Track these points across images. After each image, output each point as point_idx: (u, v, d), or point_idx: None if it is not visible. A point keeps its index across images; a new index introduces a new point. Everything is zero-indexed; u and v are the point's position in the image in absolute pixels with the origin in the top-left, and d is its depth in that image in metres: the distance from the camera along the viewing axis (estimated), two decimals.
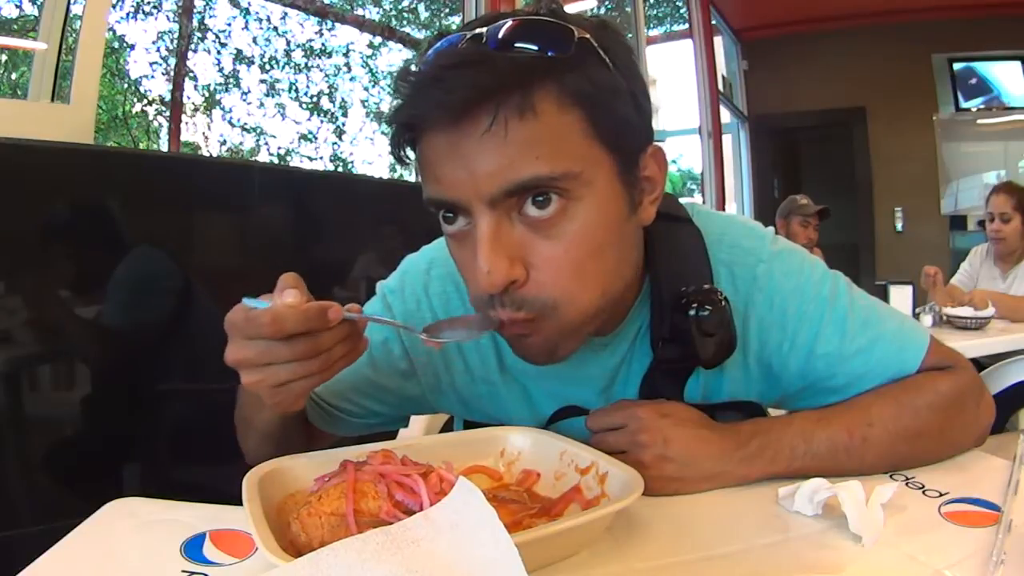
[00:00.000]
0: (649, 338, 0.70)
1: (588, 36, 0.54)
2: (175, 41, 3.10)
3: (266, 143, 3.47)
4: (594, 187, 0.55)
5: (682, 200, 0.75)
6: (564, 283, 0.55)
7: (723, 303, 0.65)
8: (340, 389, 0.74)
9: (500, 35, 0.52)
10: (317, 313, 0.48)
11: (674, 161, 5.65)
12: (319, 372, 0.51)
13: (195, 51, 3.20)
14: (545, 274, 0.55)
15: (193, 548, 0.51)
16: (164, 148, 3.10)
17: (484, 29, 0.53)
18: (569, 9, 0.58)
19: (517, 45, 0.52)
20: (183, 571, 0.48)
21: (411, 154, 0.58)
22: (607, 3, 4.62)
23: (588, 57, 0.54)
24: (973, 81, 4.96)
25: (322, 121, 3.65)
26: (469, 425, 0.80)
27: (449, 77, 0.50)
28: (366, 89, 3.83)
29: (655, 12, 5.43)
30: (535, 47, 0.52)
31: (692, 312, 0.64)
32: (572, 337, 0.59)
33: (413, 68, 0.54)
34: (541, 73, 0.52)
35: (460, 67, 0.51)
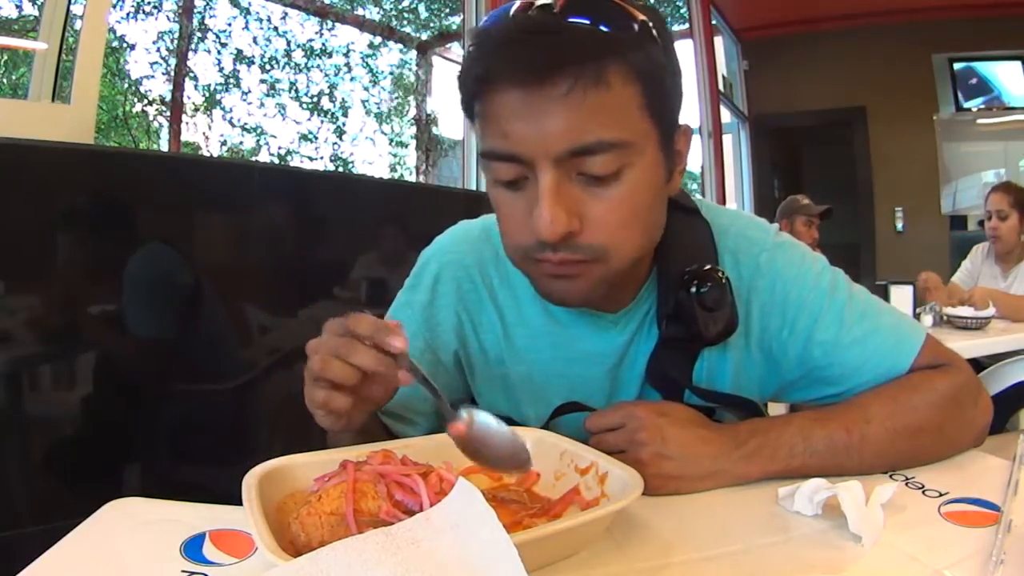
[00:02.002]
0: (656, 319, 0.73)
1: (647, 20, 0.59)
2: (175, 41, 3.10)
3: (266, 143, 3.47)
4: (643, 155, 0.60)
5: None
6: (612, 234, 0.61)
7: (723, 280, 0.69)
8: (399, 404, 0.74)
9: (574, 9, 0.57)
10: (395, 324, 0.55)
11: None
12: (367, 403, 0.59)
13: (195, 51, 3.20)
14: (596, 226, 0.60)
15: (193, 548, 0.51)
16: (164, 148, 3.10)
17: (555, 1, 0.57)
18: None
19: (587, 21, 0.57)
20: (183, 571, 0.48)
21: (478, 110, 0.61)
22: None
23: (646, 38, 0.59)
24: (973, 81, 4.96)
25: (322, 121, 3.65)
26: None
27: (533, 41, 0.56)
28: (366, 89, 3.83)
29: None
30: (605, 25, 0.57)
31: (694, 289, 0.68)
32: (608, 282, 0.64)
33: (489, 31, 0.58)
34: (612, 48, 0.57)
35: (544, 33, 0.56)
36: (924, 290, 2.48)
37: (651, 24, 0.59)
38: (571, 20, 0.56)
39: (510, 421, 0.74)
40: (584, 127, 0.56)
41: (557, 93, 0.55)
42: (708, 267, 0.70)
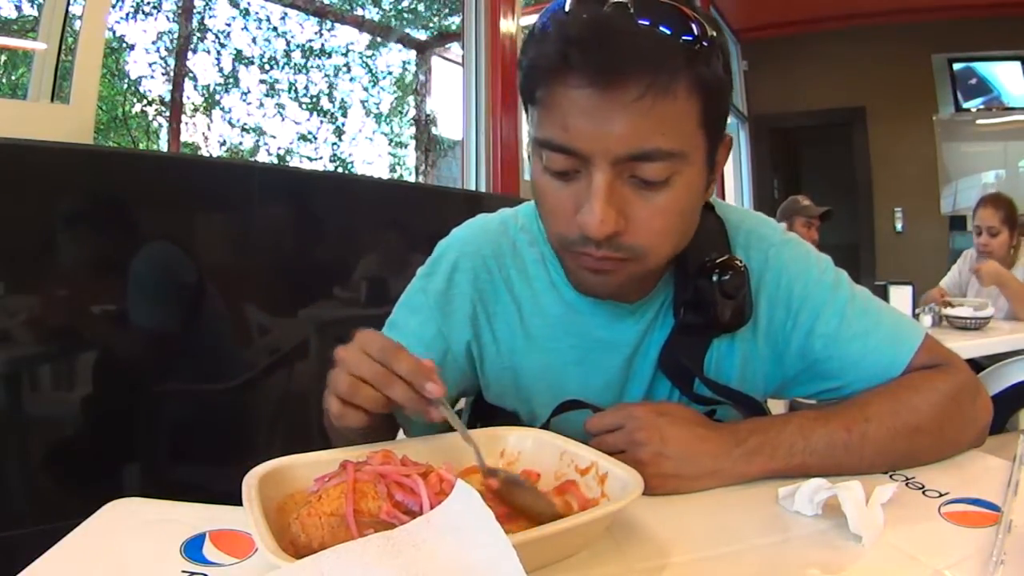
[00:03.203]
0: (673, 309, 0.75)
1: (716, 34, 0.59)
2: (175, 41, 3.10)
3: (266, 143, 3.47)
4: (693, 166, 0.62)
5: None
6: (653, 237, 0.62)
7: (742, 268, 0.71)
8: None
9: (649, 12, 0.56)
10: (431, 367, 0.55)
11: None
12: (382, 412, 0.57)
13: (195, 51, 3.19)
14: (640, 228, 0.61)
15: (193, 548, 0.51)
16: (164, 148, 3.10)
17: (630, 2, 0.56)
18: None
19: (663, 28, 0.56)
20: (183, 571, 0.48)
21: (538, 95, 0.61)
22: None
23: (713, 53, 0.59)
24: (973, 81, 4.96)
25: (322, 121, 3.64)
26: (476, 412, 0.81)
27: (611, 40, 0.55)
28: (366, 89, 3.83)
29: None
30: (680, 34, 0.57)
31: (715, 276, 0.71)
32: (638, 281, 0.67)
33: (564, 19, 0.57)
34: (684, 59, 0.57)
35: (620, 33, 0.55)
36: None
37: (717, 38, 0.60)
38: (644, 23, 0.56)
39: (516, 419, 0.75)
40: (647, 134, 0.57)
41: (627, 98, 0.56)
42: (728, 256, 0.72)
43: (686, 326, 0.74)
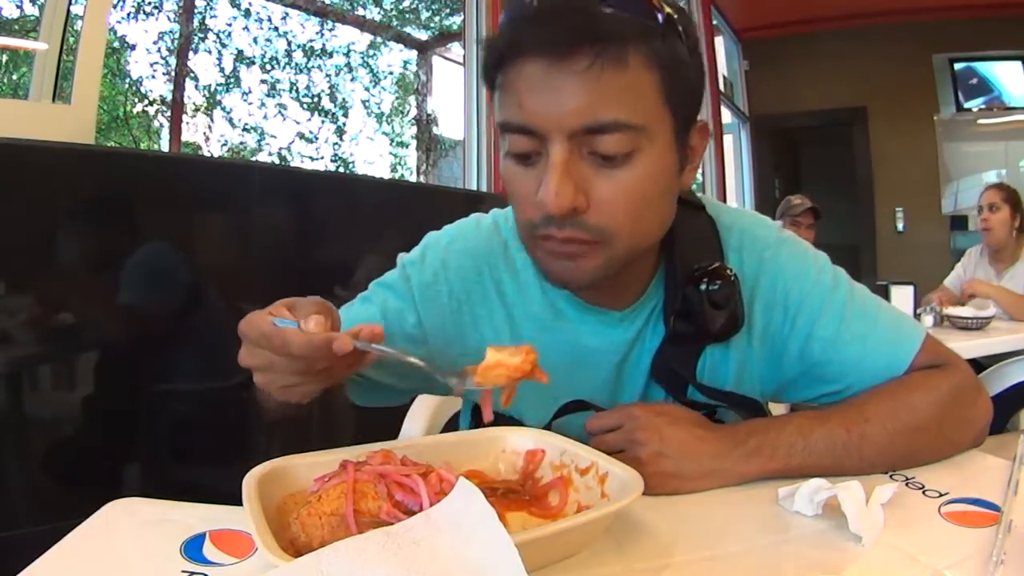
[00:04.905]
0: (663, 317, 0.73)
1: (673, 13, 0.60)
2: (176, 41, 3.10)
3: (267, 143, 3.47)
4: (656, 143, 0.61)
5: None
6: (618, 217, 0.61)
7: (732, 278, 0.70)
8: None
9: None
10: (322, 343, 0.50)
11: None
12: (320, 382, 0.56)
13: (196, 51, 3.20)
14: (603, 207, 0.60)
15: (193, 548, 0.51)
16: (165, 148, 3.10)
17: None
18: None
19: (616, 5, 0.58)
20: (183, 571, 0.48)
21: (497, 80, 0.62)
22: None
23: (671, 31, 0.60)
24: (974, 81, 4.95)
25: (323, 121, 3.64)
26: (477, 414, 0.81)
27: (560, 16, 0.57)
28: (367, 89, 3.83)
29: None
30: (632, 11, 0.58)
31: (703, 286, 0.69)
32: (611, 268, 0.64)
33: (520, 2, 0.60)
34: (636, 33, 0.58)
35: (569, 11, 0.57)
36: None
37: (677, 20, 0.61)
38: (600, 2, 0.57)
39: (511, 420, 0.74)
40: (599, 105, 0.57)
41: (577, 68, 0.56)
42: (717, 264, 0.71)
43: (677, 335, 0.72)
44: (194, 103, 3.26)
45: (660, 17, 0.59)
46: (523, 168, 0.62)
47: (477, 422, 0.80)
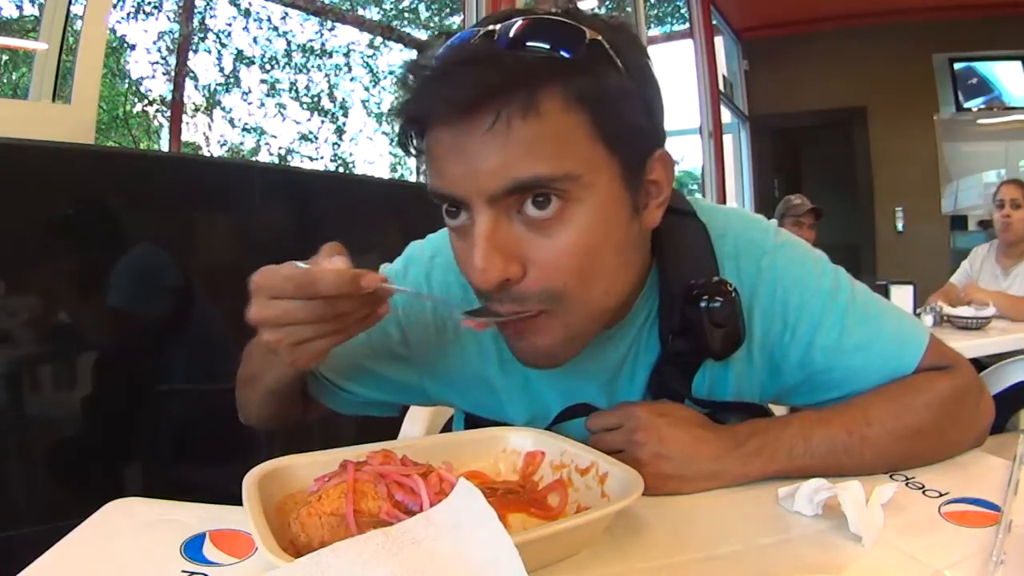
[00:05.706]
0: (657, 331, 0.70)
1: (600, 38, 0.54)
2: (176, 41, 3.10)
3: (266, 143, 3.48)
4: (595, 189, 0.55)
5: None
6: (564, 279, 0.56)
7: (733, 295, 0.65)
8: (338, 366, 0.74)
9: (511, 33, 0.53)
10: (352, 277, 0.49)
11: (676, 161, 5.65)
12: (335, 334, 0.52)
13: (196, 51, 3.20)
14: (543, 272, 0.55)
15: (193, 548, 0.51)
16: (165, 148, 3.10)
17: (497, 26, 0.53)
18: None
19: (528, 44, 0.52)
20: (183, 571, 0.48)
21: (418, 146, 0.58)
22: (607, 3, 4.62)
23: (599, 59, 0.54)
24: (974, 81, 4.96)
25: (323, 121, 3.65)
26: (470, 423, 0.80)
27: (456, 73, 0.51)
28: (367, 89, 3.83)
29: (655, 12, 5.43)
30: (546, 46, 0.52)
31: (703, 304, 0.64)
32: (576, 338, 0.60)
33: (422, 62, 0.54)
34: (548, 73, 0.52)
35: (467, 64, 0.52)
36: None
37: (608, 44, 0.55)
38: (505, 47, 0.52)
39: (499, 424, 0.73)
40: (515, 163, 0.51)
41: (482, 127, 0.51)
42: (716, 279, 0.66)
43: (674, 354, 0.68)
44: (194, 103, 3.26)
45: (581, 48, 0.53)
46: (457, 237, 0.58)
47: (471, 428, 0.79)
